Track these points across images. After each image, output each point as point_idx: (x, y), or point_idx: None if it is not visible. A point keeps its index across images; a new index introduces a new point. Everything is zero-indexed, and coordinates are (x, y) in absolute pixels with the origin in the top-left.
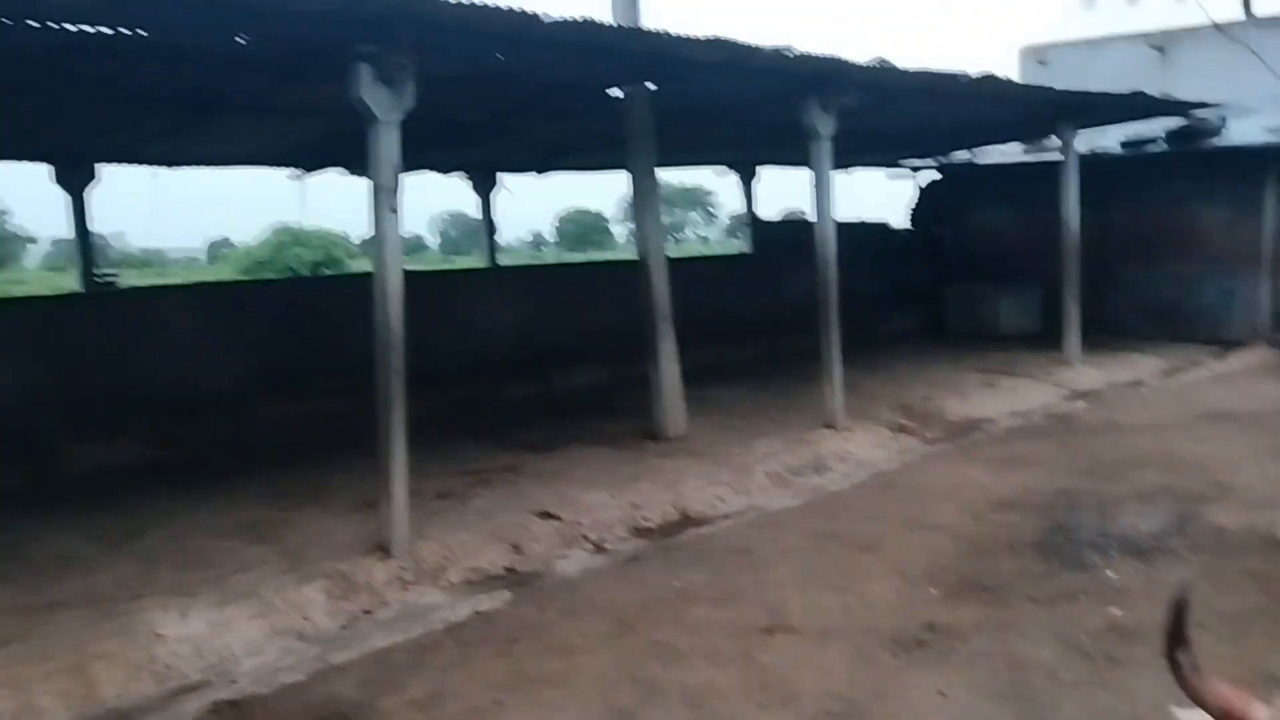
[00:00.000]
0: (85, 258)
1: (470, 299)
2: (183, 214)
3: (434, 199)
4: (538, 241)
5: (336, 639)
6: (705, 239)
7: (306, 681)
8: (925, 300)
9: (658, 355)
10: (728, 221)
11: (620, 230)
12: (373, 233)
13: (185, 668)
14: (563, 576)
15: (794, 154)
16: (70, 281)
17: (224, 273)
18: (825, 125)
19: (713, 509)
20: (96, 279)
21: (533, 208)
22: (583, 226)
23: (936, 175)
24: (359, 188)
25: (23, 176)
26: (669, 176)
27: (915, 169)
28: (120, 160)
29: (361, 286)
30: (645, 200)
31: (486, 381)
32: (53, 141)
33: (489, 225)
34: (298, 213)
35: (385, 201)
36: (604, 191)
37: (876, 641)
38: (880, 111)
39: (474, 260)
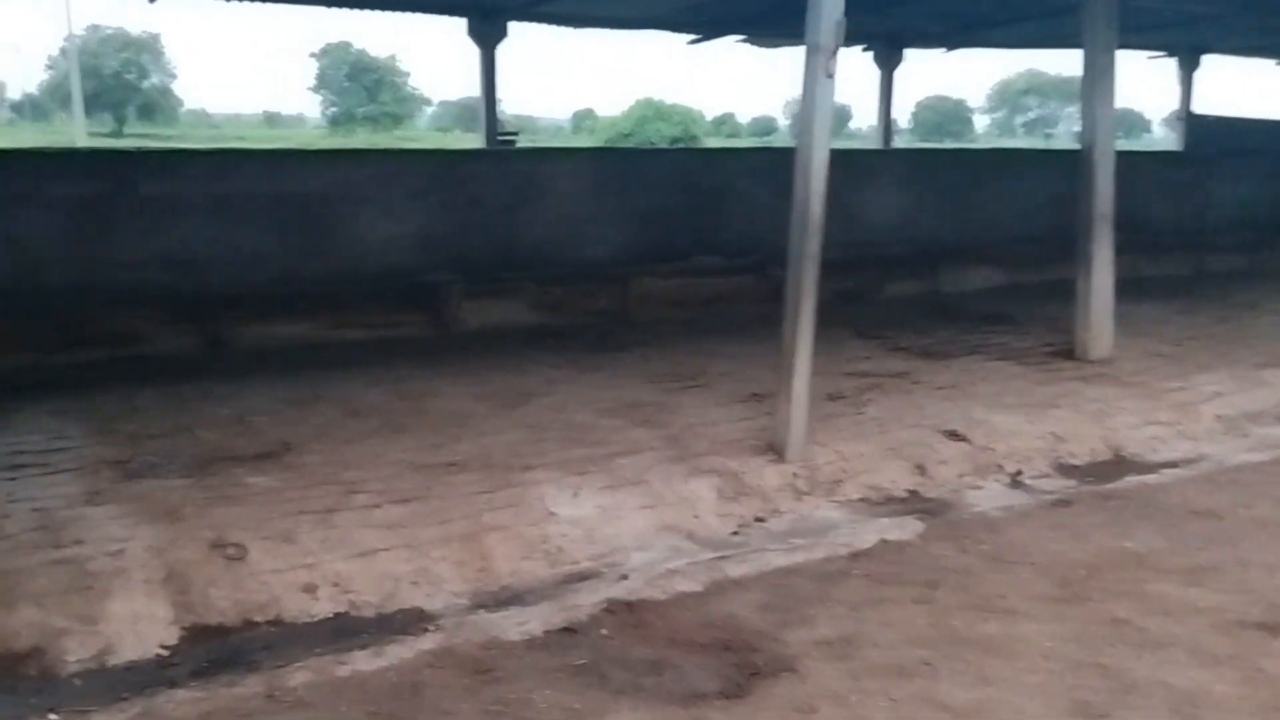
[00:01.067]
0: (489, 115)
1: (857, 182)
2: (552, 83)
3: (789, 79)
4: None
5: (728, 545)
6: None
7: (703, 593)
8: None
9: (1090, 262)
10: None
11: (982, 121)
12: (802, 99)
13: (576, 552)
14: (978, 511)
15: (1260, 39)
16: (455, 141)
17: (590, 143)
18: None
19: (1152, 453)
20: (499, 137)
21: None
22: (941, 115)
23: None
24: (727, 63)
25: (424, 40)
26: (1046, 64)
27: None
28: (526, 18)
29: (748, 162)
30: (1099, 79)
31: (869, 275)
32: None
33: (886, 103)
34: (681, 85)
35: (821, 64)
36: (961, 81)
37: None
38: None
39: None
